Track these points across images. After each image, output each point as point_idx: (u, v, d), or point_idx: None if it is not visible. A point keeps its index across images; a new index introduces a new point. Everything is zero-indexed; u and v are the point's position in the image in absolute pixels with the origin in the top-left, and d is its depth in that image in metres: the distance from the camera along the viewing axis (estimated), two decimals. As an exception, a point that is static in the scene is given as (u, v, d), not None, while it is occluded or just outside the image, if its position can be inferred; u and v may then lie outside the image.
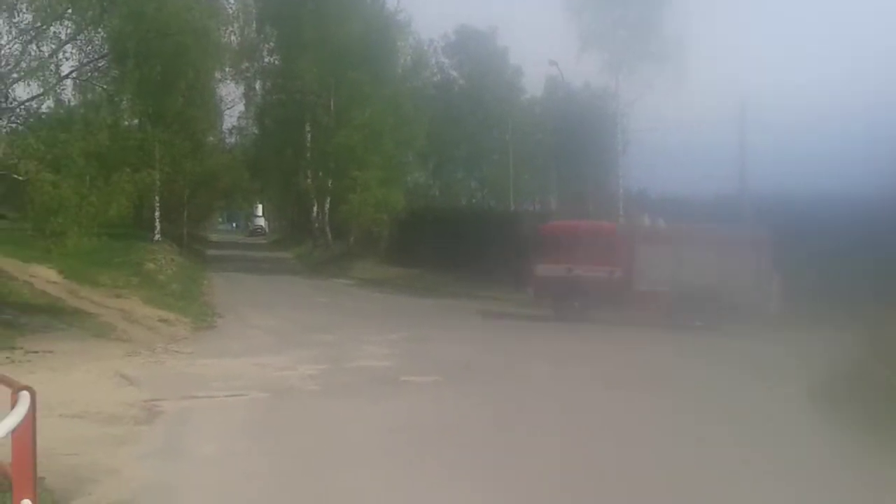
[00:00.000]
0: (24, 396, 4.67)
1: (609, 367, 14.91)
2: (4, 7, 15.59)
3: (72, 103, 17.62)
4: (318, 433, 9.32)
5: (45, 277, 21.91)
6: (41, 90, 16.11)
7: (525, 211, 49.42)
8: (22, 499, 4.59)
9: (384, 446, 8.75)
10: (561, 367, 14.78)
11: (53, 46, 16.42)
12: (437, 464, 8.03)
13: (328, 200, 39.39)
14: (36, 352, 13.69)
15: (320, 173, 38.56)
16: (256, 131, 45.81)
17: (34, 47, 16.07)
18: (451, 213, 38.93)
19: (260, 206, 79.76)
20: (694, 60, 41.68)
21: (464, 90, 52.18)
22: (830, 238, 27.98)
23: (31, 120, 16.78)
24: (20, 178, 15.14)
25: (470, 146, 51.72)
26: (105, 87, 16.67)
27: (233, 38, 38.48)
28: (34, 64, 15.76)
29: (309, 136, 38.38)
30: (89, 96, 17.33)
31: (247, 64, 41.36)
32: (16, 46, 16.06)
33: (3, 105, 16.44)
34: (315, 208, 40.62)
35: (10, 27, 15.91)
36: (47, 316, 17.45)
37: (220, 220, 62.67)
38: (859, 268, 26.47)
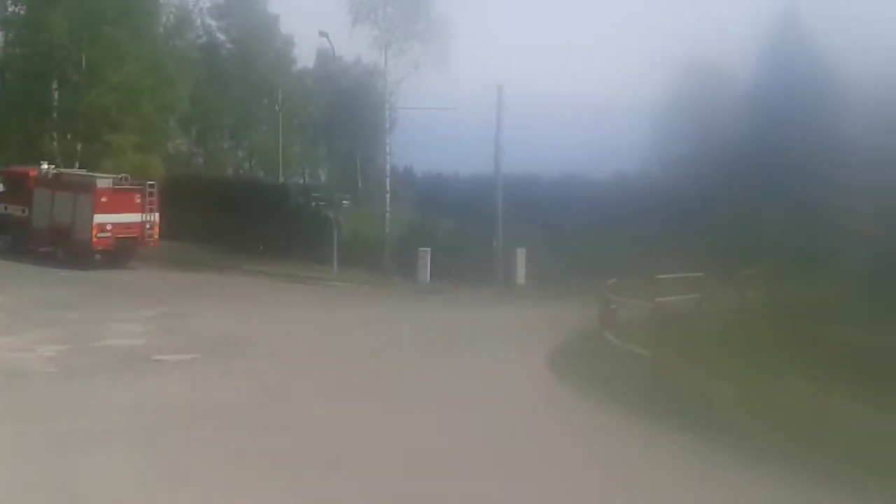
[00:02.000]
0: None
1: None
2: None
3: None
4: (54, 420, 8.90)
5: None
6: None
7: (294, 183, 49.10)
8: None
9: (128, 430, 8.58)
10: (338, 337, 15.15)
11: None
12: (185, 445, 8.03)
13: (76, 165, 36.46)
14: None
15: (68, 135, 35.53)
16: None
17: None
18: (216, 184, 37.68)
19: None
20: (457, 43, 43.53)
21: (232, 55, 50.31)
22: (571, 217, 31.02)
23: None
24: None
25: (238, 114, 50.10)
26: None
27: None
28: None
29: (56, 94, 35.16)
30: None
31: (-13, 11, 36.95)
32: None
33: None
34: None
35: None
36: None
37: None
38: (595, 245, 29.67)
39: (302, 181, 53.84)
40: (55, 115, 35.01)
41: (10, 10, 36.94)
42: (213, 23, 50.13)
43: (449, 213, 38.38)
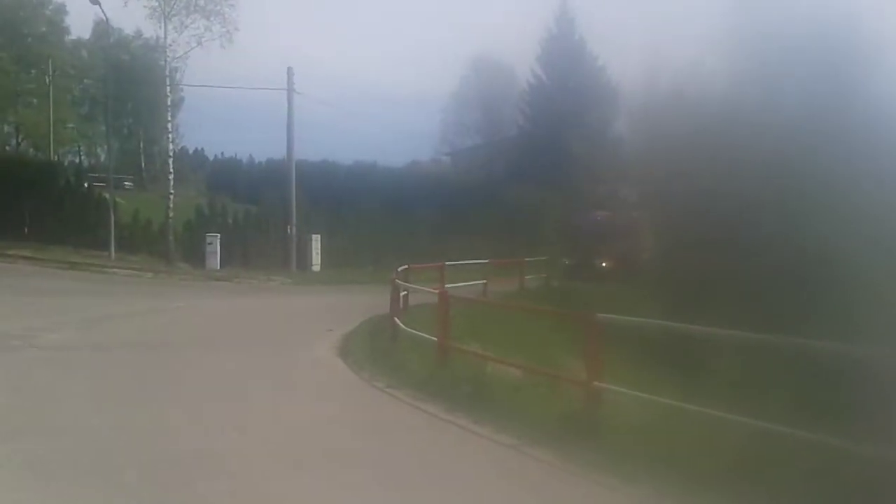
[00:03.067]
0: None
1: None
2: None
3: None
4: None
5: None
6: None
7: (67, 162, 45.22)
8: None
9: None
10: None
11: None
12: None
13: None
14: None
15: None
16: None
17: None
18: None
19: None
20: (246, 21, 42.04)
21: (-7, 21, 45.31)
22: (366, 204, 31.18)
23: None
24: None
25: (2, 86, 45.19)
26: None
27: None
28: None
29: None
30: None
31: None
32: None
33: None
34: None
35: None
36: None
37: None
38: (389, 232, 30.04)
39: (77, 160, 49.70)
40: None
41: None
42: (-26, -14, 44.79)
43: (241, 198, 37.15)
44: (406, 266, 16.48)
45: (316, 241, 28.61)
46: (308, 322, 15.36)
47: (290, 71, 28.29)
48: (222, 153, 57.28)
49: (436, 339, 10.23)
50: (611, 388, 7.29)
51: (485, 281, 20.17)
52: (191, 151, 56.70)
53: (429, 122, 41.10)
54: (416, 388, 9.20)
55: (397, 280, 14.21)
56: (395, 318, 12.53)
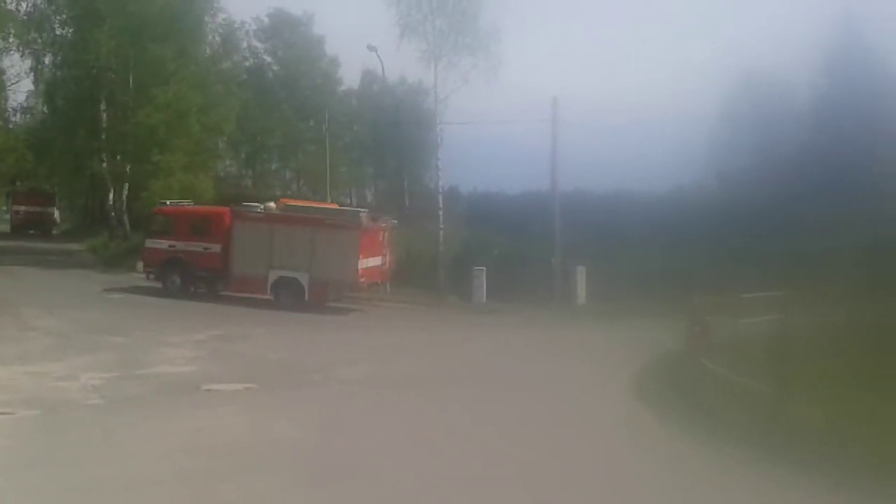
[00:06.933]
0: None
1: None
2: None
3: None
4: (100, 462, 7.91)
5: None
6: None
7: (343, 203, 48.55)
8: None
9: (179, 473, 7.54)
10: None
11: None
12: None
13: (126, 187, 36.24)
14: None
15: (117, 157, 35.37)
16: (45, 110, 41.35)
17: None
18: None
19: (54, 194, 72.26)
20: (508, 55, 42.54)
21: (278, 77, 50.28)
22: (629, 234, 29.69)
23: None
24: None
25: (285, 135, 49.94)
26: None
27: (21, 5, 34.67)
28: None
29: (105, 115, 35.03)
30: None
31: (35, 35, 37.18)
32: None
33: None
34: (111, 195, 37.23)
35: None
36: None
37: (3, 208, 55.96)
38: (657, 262, 28.26)
39: (349, 201, 53.29)
40: (104, 136, 34.88)
41: (57, 32, 37.10)
42: (259, 45, 50.29)
43: (499, 231, 37.31)
44: (700, 298, 14.95)
45: (581, 274, 27.61)
46: (593, 360, 14.37)
47: (554, 101, 27.86)
48: (475, 188, 58.51)
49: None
50: None
51: (784, 314, 17.87)
52: (447, 188, 58.55)
53: (688, 145, 38.66)
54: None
55: (695, 313, 12.81)
56: (702, 359, 11.16)
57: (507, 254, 29.82)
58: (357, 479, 6.82)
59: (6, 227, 50.33)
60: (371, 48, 28.82)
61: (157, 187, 30.60)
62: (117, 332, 16.48)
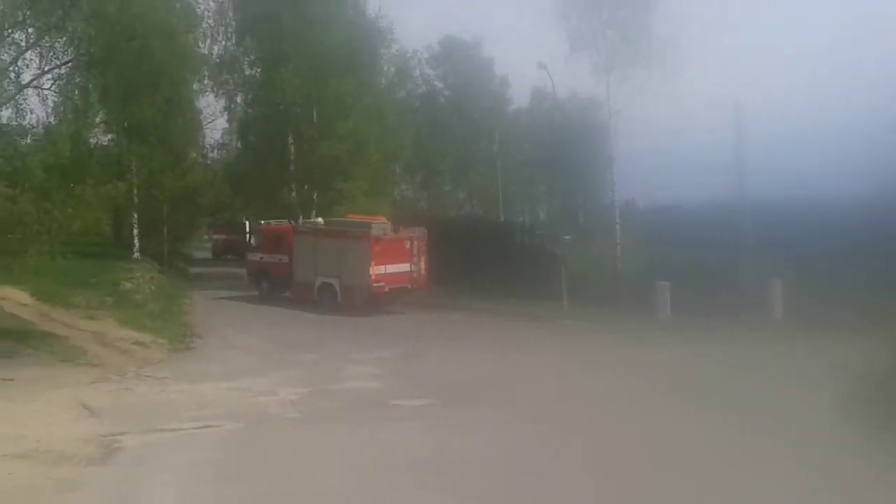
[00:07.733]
0: None
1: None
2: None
3: (33, 113, 16.47)
4: (300, 474, 8.19)
5: (15, 300, 20.78)
6: (-1, 100, 15.05)
7: (516, 221, 48.71)
8: None
9: (386, 487, 7.63)
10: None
11: (13, 54, 15.33)
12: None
13: (313, 213, 38.38)
14: (-3, 379, 12.59)
15: (305, 186, 37.55)
16: (239, 146, 44.82)
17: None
18: (442, 224, 37.88)
19: (246, 223, 78.05)
20: (686, 63, 40.89)
21: (449, 101, 51.48)
22: (827, 243, 27.33)
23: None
24: (-25, 193, 14.05)
25: (457, 158, 50.94)
26: (68, 95, 15.56)
27: (214, 49, 37.73)
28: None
29: (292, 148, 37.37)
30: (51, 105, 16.20)
31: (227, 76, 40.41)
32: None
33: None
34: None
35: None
36: (14, 340, 16.34)
37: (205, 237, 61.48)
38: (858, 272, 25.79)
39: (522, 219, 53.39)
40: (292, 167, 37.08)
41: (247, 73, 40.01)
42: (430, 72, 51.70)
43: (680, 245, 35.66)
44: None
45: (776, 287, 25.73)
46: (819, 380, 13.06)
47: (738, 106, 26.43)
48: (654, 201, 56.73)
49: None
50: None
51: None
52: (623, 202, 57.26)
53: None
54: None
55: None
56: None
57: (691, 268, 28.44)
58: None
59: (208, 254, 54.68)
60: (541, 66, 28.77)
61: (341, 213, 32.09)
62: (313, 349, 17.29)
